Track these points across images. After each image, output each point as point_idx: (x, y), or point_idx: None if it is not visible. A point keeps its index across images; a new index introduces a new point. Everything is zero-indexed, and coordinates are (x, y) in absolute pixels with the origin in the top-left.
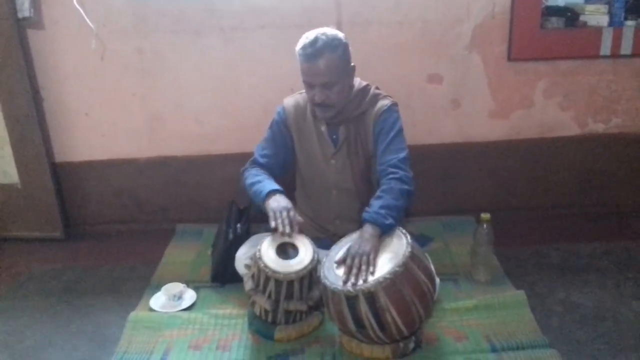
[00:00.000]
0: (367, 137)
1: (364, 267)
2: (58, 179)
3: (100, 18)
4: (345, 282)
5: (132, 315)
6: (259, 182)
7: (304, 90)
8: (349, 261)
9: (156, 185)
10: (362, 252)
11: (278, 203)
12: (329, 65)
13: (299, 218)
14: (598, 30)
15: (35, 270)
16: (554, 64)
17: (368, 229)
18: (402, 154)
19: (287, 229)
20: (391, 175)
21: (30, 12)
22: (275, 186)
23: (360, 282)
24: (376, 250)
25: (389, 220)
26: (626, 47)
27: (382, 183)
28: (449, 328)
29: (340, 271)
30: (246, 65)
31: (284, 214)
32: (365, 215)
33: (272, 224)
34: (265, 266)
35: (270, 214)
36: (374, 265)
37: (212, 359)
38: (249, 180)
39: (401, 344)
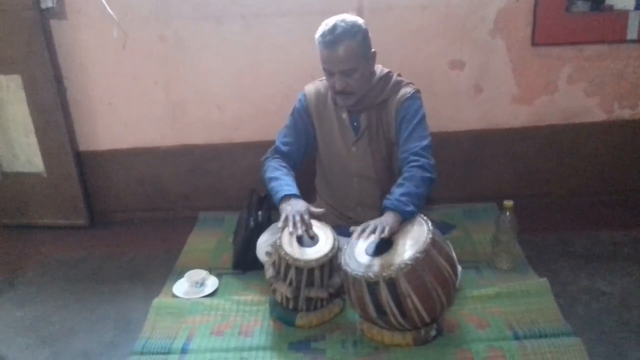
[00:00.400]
0: (389, 125)
1: (378, 229)
2: (82, 167)
3: (122, 7)
4: (356, 238)
5: (156, 301)
6: (276, 179)
7: (324, 77)
8: (364, 225)
9: (178, 173)
10: (378, 222)
11: (292, 207)
12: (348, 52)
13: (318, 210)
14: (624, 14)
15: (61, 257)
16: (579, 49)
17: (389, 216)
18: (425, 142)
19: (299, 232)
20: (413, 163)
21: (52, 2)
22: (291, 189)
23: (376, 236)
24: (392, 230)
25: (410, 208)
26: None
27: (404, 170)
28: (470, 315)
29: (361, 252)
30: (267, 52)
31: (297, 217)
32: (386, 202)
33: (281, 224)
34: (286, 254)
35: (282, 216)
36: (389, 232)
37: (234, 345)
38: (267, 174)
39: (422, 331)
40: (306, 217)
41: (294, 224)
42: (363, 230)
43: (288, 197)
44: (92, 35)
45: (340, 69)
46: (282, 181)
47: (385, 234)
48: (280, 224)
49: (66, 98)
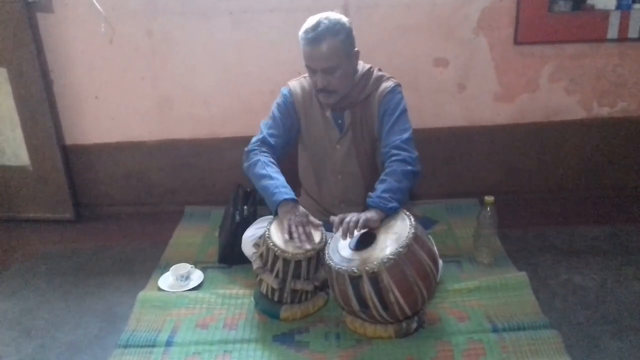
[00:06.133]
0: (372, 120)
1: (352, 224)
2: (68, 161)
3: (109, 1)
4: (338, 237)
5: (141, 294)
6: (270, 177)
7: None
8: (341, 217)
9: (165, 167)
10: (355, 215)
11: (293, 216)
12: (330, 49)
13: (317, 222)
14: (605, 13)
15: (47, 251)
16: (561, 48)
17: (371, 213)
18: (406, 135)
19: (307, 246)
20: (394, 158)
21: None
22: (289, 193)
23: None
24: (372, 224)
25: (392, 204)
26: (633, 31)
27: (386, 165)
28: (451, 308)
29: (344, 246)
30: (254, 48)
31: (300, 230)
32: (368, 200)
33: (287, 236)
34: (274, 245)
35: (285, 225)
36: (363, 223)
37: (219, 337)
38: (258, 170)
39: (404, 324)
40: (308, 229)
41: (299, 238)
42: (341, 222)
43: (286, 201)
44: (79, 29)
45: (322, 66)
46: (278, 182)
47: (360, 225)
48: (285, 235)
49: (52, 91)
